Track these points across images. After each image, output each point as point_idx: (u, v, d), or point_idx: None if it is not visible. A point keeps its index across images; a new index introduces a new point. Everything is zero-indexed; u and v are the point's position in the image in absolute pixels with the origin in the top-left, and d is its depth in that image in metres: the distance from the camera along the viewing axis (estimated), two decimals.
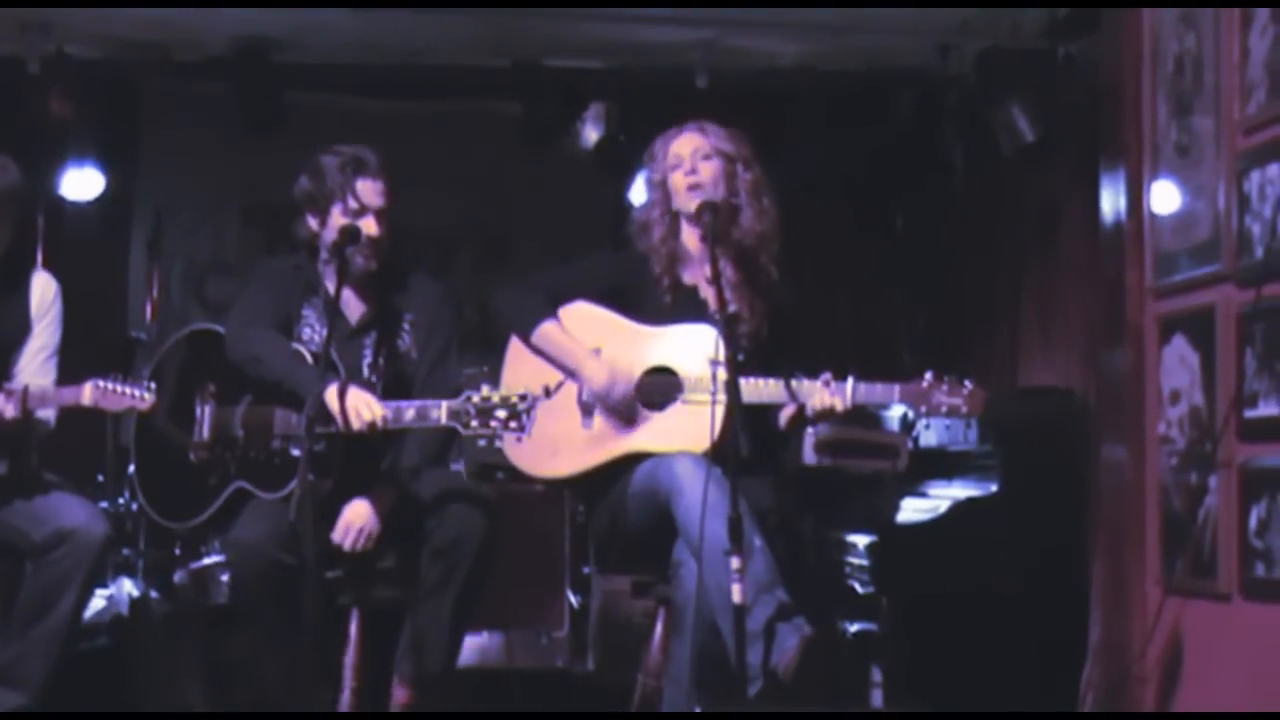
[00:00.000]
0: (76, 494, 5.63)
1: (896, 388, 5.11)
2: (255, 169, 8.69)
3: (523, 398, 5.05)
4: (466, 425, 5.09)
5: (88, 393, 5.39)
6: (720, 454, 4.84)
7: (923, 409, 5.11)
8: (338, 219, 5.45)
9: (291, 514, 4.78)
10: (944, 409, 5.07)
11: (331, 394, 5.14)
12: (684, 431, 5.18)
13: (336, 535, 5.31)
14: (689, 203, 5.32)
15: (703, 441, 5.06)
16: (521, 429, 5.05)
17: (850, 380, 5.08)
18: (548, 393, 5.20)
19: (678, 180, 5.36)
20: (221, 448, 5.48)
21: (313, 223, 5.54)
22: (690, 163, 5.35)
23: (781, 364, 5.19)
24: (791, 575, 5.04)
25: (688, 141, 5.39)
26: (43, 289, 5.76)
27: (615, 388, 5.27)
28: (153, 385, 5.39)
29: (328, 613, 5.21)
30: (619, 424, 5.31)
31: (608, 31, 7.29)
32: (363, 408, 5.14)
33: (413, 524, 5.37)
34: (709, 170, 5.33)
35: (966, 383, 5.09)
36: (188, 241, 9.23)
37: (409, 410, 5.20)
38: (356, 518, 5.33)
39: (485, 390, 5.09)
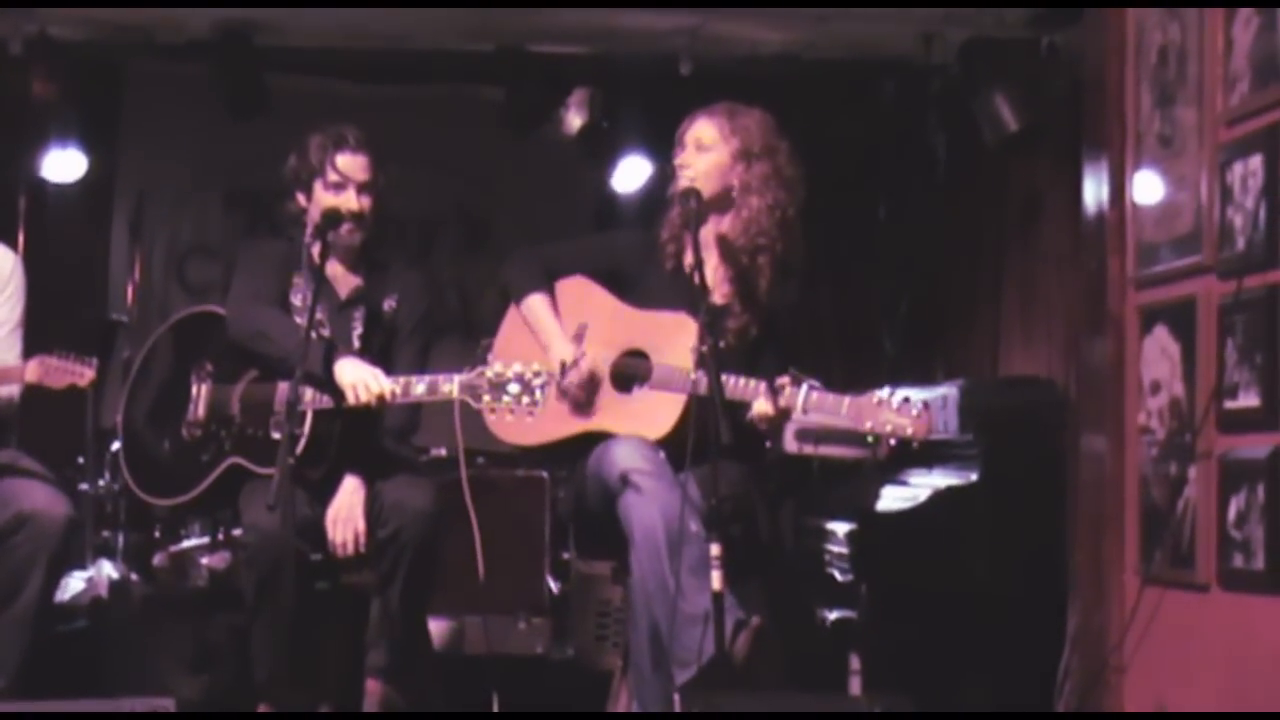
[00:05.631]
0: (37, 476, 5.59)
1: (846, 400, 4.98)
2: (238, 152, 8.70)
3: (537, 373, 5.06)
4: (479, 399, 5.10)
5: (32, 369, 5.43)
6: (677, 441, 4.92)
7: (868, 424, 4.95)
8: (320, 193, 5.51)
9: (270, 498, 4.76)
10: (889, 428, 4.91)
11: (338, 368, 5.23)
12: (642, 416, 5.22)
13: (330, 538, 5.35)
14: (680, 193, 5.32)
15: (660, 428, 5.13)
16: (535, 404, 5.05)
17: (804, 387, 5.01)
18: (564, 369, 5.26)
19: (680, 164, 5.37)
20: (216, 425, 5.52)
21: (300, 198, 5.60)
22: (689, 152, 5.36)
23: (764, 366, 5.18)
24: (748, 562, 5.09)
25: (698, 127, 5.38)
26: (0, 262, 5.74)
27: (568, 374, 5.28)
28: (94, 360, 5.44)
29: (308, 597, 5.25)
30: (584, 399, 5.33)
31: (591, 17, 7.27)
32: (370, 381, 5.20)
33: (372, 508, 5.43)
34: (704, 162, 5.33)
35: (917, 404, 4.95)
36: (169, 224, 9.21)
37: (419, 384, 5.23)
38: (344, 517, 5.36)
39: (499, 364, 5.10)
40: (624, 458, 5.04)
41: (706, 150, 5.34)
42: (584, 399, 5.30)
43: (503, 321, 5.61)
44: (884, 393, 5.01)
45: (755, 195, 5.33)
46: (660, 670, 4.97)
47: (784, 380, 5.03)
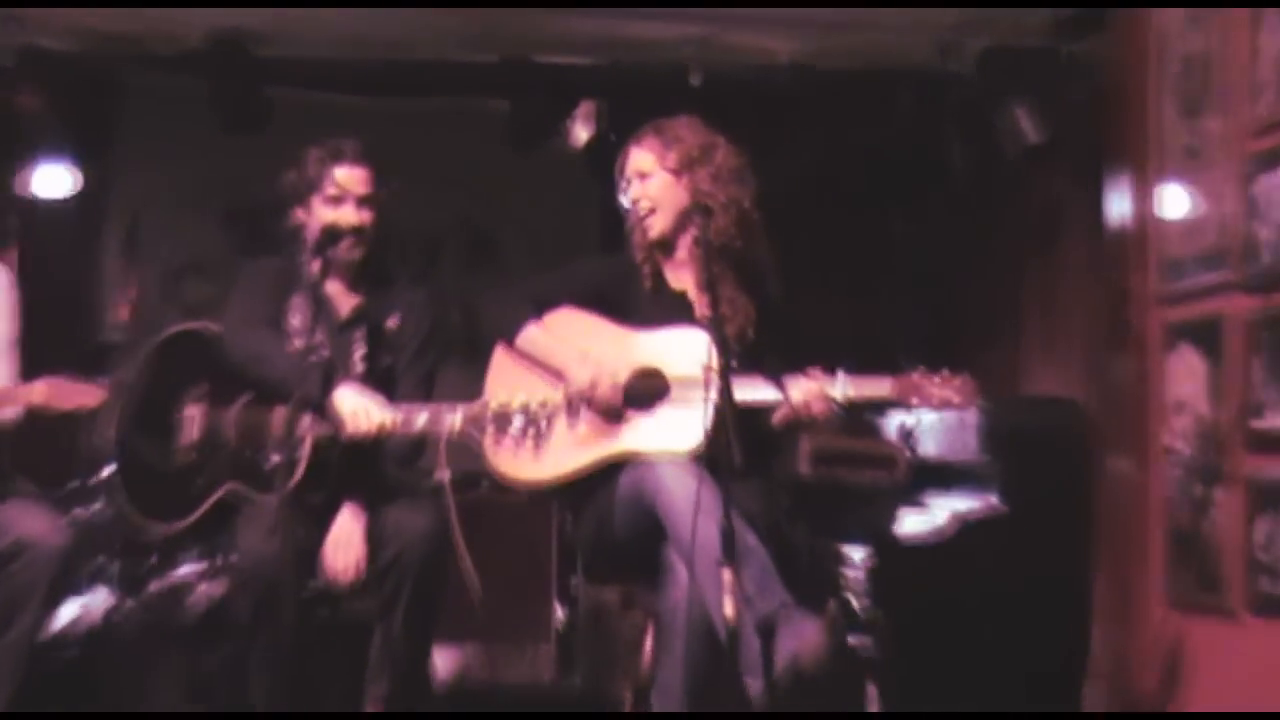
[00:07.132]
0: (37, 501, 5.62)
1: (889, 380, 5.04)
2: (235, 168, 8.62)
3: (543, 404, 5.03)
4: (483, 433, 5.06)
5: (39, 390, 5.38)
6: (710, 458, 4.82)
7: (915, 401, 5.04)
8: (319, 208, 5.48)
9: (268, 524, 4.81)
10: (935, 401, 5.00)
11: (337, 396, 5.20)
12: (670, 433, 5.11)
13: (329, 565, 5.30)
14: (641, 223, 5.36)
15: (689, 444, 5.02)
16: (540, 436, 5.02)
17: (840, 373, 5.02)
18: (570, 403, 5.18)
19: (633, 199, 5.40)
20: (210, 450, 5.45)
21: (299, 214, 5.56)
22: (635, 185, 5.39)
23: (771, 364, 5.12)
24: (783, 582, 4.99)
25: (633, 159, 5.41)
26: None
27: (599, 387, 5.19)
28: (104, 381, 5.45)
29: (307, 627, 5.18)
30: (604, 423, 5.23)
31: (598, 27, 7.25)
32: (371, 410, 5.18)
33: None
34: (652, 188, 5.36)
35: (958, 376, 5.01)
36: (165, 241, 9.20)
37: (421, 414, 5.18)
38: (343, 543, 5.31)
39: (503, 394, 5.06)
40: (670, 477, 4.95)
41: (648, 177, 5.36)
42: (606, 421, 5.21)
43: (488, 370, 5.50)
44: (922, 369, 5.04)
45: (707, 199, 5.29)
46: (695, 695, 4.88)
47: (816, 370, 5.03)
